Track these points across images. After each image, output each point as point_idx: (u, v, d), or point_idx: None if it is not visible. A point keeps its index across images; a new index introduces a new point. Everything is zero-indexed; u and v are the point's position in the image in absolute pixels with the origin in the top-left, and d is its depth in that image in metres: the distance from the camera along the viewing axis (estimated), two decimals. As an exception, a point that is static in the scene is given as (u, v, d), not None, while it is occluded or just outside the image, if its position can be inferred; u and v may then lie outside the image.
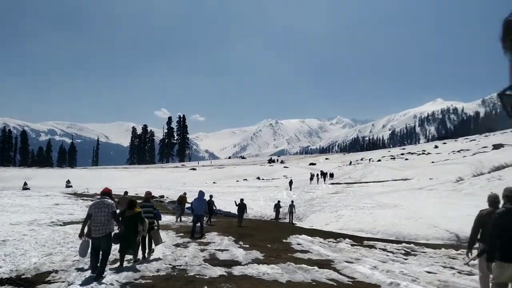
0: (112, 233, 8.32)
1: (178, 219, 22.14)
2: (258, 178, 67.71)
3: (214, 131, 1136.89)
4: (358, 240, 14.54)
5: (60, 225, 16.35)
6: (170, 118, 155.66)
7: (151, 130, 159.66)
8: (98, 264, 7.93)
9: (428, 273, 8.07)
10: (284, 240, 14.38)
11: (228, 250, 11.50)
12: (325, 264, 9.24)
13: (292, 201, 26.61)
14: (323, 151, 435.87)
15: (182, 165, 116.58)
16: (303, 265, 8.58)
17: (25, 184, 48.96)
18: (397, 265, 8.74)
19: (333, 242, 13.89)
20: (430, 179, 45.93)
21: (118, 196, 21.15)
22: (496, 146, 64.97)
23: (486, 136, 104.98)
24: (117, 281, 7.39)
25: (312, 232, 17.14)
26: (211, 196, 22.61)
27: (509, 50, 0.83)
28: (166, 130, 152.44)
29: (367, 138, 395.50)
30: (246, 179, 65.16)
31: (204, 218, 17.47)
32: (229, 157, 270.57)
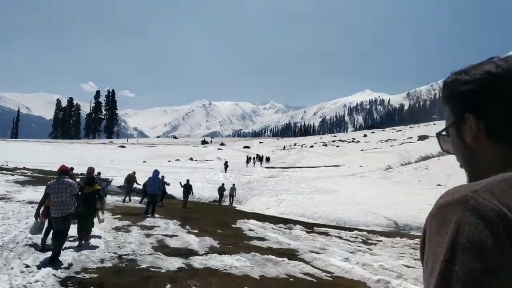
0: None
1: (127, 198, 20.64)
2: (191, 159, 66.23)
3: (144, 108, 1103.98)
4: (309, 227, 14.16)
5: (-25, 202, 14.45)
6: (98, 92, 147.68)
7: (77, 104, 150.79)
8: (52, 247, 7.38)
9: (407, 267, 7.73)
10: (234, 225, 13.67)
11: (177, 236, 10.42)
12: (291, 254, 8.62)
13: (234, 185, 26.02)
14: (255, 135, 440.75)
15: (110, 141, 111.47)
16: (271, 256, 7.84)
17: None
18: (368, 257, 8.36)
19: (285, 228, 13.39)
20: (360, 166, 47.52)
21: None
22: (422, 137, 68.75)
23: (411, 127, 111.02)
24: (54, 275, 6.09)
25: (258, 217, 16.57)
26: (163, 177, 20.98)
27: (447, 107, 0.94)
28: (94, 105, 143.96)
29: (299, 124, 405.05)
30: (178, 160, 63.41)
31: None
32: (158, 136, 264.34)
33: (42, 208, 7.88)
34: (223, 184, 26.04)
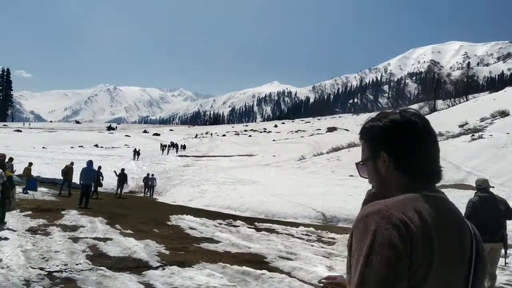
0: None
1: (62, 192, 18.49)
2: (97, 145, 62.09)
3: (42, 90, 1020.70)
4: (249, 222, 12.85)
5: None
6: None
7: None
8: None
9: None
10: (169, 223, 12.04)
11: (112, 239, 8.41)
12: (261, 262, 7.30)
13: (153, 174, 24.21)
14: (163, 122, 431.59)
15: (4, 125, 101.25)
16: (246, 268, 6.38)
17: None
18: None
19: (227, 225, 12.17)
20: (273, 156, 47.77)
21: None
22: (330, 129, 71.58)
23: (319, 119, 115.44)
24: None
25: (188, 211, 15.03)
26: (99, 167, 20.12)
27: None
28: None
29: (208, 113, 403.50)
30: (82, 146, 58.99)
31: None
32: (51, 121, 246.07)
33: None
34: (148, 174, 24.05)
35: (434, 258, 1.07)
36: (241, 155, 50.93)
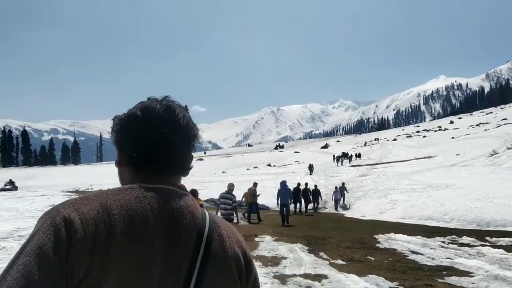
0: None
1: (246, 219, 16.98)
2: (269, 165, 64.26)
3: (215, 121, 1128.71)
4: (475, 236, 10.26)
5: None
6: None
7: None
8: None
9: None
10: (380, 245, 9.89)
11: (326, 277, 6.62)
12: None
13: (343, 184, 23.27)
14: (327, 135, 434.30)
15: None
16: None
17: (10, 183, 42.00)
18: None
19: (454, 243, 9.69)
20: (457, 155, 42.53)
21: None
22: (523, 117, 61.63)
23: (502, 108, 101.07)
24: None
25: (390, 227, 13.14)
26: (306, 184, 22.41)
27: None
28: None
29: (371, 120, 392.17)
30: (256, 167, 61.64)
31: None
32: (219, 148, 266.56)
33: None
34: (336, 187, 22.97)
35: (111, 264, 0.86)
36: (419, 158, 46.76)
